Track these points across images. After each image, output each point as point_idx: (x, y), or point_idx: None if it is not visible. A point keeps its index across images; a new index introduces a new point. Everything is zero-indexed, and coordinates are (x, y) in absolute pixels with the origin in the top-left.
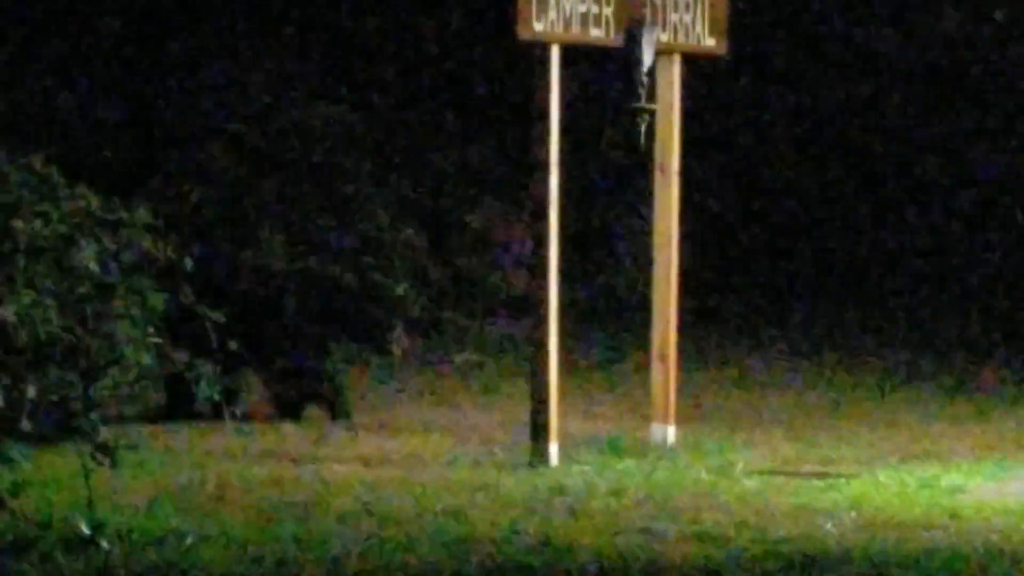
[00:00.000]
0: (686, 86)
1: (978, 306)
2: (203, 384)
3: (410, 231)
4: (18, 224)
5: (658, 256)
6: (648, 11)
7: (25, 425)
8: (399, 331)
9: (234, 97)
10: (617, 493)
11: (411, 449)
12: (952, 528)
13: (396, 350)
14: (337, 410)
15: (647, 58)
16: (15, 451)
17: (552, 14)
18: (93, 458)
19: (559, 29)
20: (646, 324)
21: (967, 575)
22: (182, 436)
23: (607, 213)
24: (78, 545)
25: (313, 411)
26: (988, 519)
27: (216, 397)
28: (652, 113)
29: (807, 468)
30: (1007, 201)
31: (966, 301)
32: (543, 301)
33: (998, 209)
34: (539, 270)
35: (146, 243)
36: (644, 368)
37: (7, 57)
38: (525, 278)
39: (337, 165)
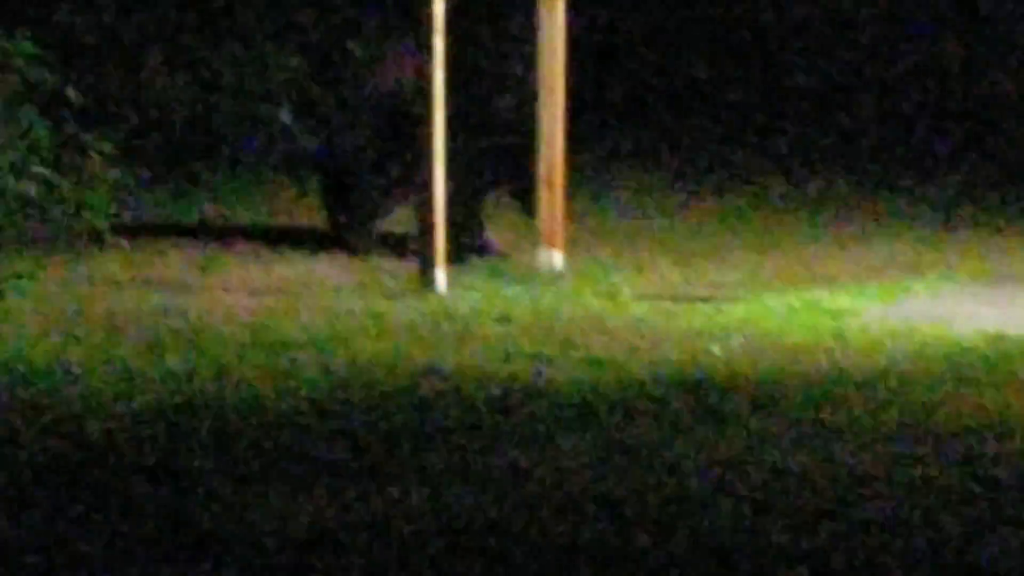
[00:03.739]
0: None
1: (868, 130)
2: (90, 214)
3: (298, 62)
4: None
5: (544, 81)
6: None
7: None
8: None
9: None
10: (505, 319)
11: (298, 277)
12: (838, 350)
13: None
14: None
15: None
16: None
17: None
18: None
19: None
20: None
21: (853, 397)
22: (73, 265)
23: (493, 36)
24: None
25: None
26: (873, 341)
27: (103, 226)
28: None
29: (694, 292)
30: (898, 26)
31: (856, 125)
32: (429, 124)
33: (888, 39)
34: (425, 94)
35: (30, 73)
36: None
37: None
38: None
39: None
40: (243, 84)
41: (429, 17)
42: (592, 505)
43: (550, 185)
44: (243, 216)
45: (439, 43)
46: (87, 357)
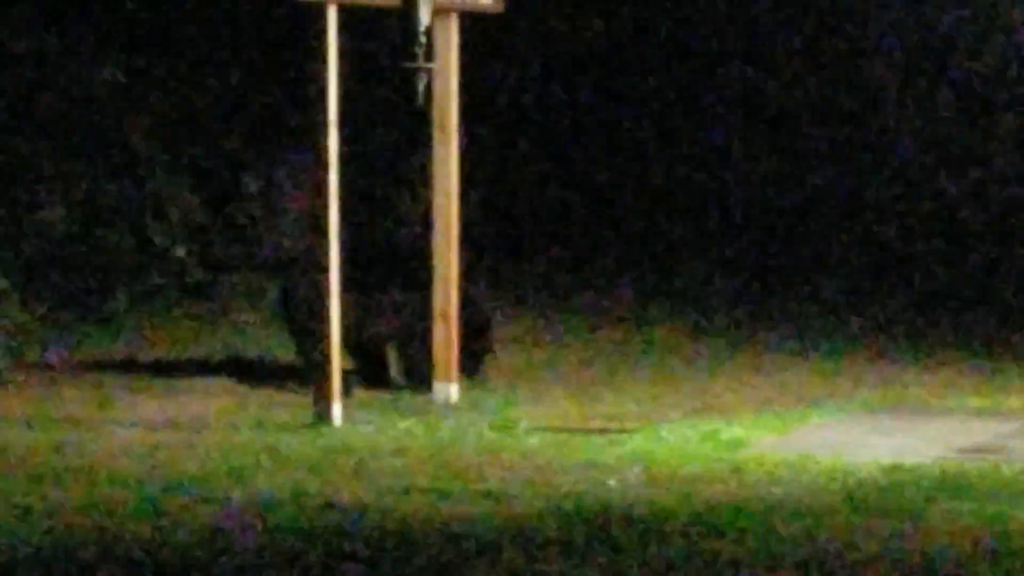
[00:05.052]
0: (464, 44)
1: (757, 260)
2: None
3: (192, 197)
4: None
5: (438, 215)
6: None
7: None
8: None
9: (7, 61)
10: (401, 452)
11: (194, 411)
12: (734, 482)
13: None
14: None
15: (424, 17)
16: None
17: None
18: None
19: None
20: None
21: (751, 529)
22: None
23: (389, 173)
24: None
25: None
26: (770, 472)
27: (2, 364)
28: (430, 72)
29: (590, 424)
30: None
31: (746, 256)
32: (325, 258)
33: (786, 157)
34: (321, 227)
35: None
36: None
37: None
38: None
39: (115, 127)
40: (139, 219)
41: (323, 151)
42: None
43: (445, 318)
44: (144, 350)
45: (333, 177)
46: None
